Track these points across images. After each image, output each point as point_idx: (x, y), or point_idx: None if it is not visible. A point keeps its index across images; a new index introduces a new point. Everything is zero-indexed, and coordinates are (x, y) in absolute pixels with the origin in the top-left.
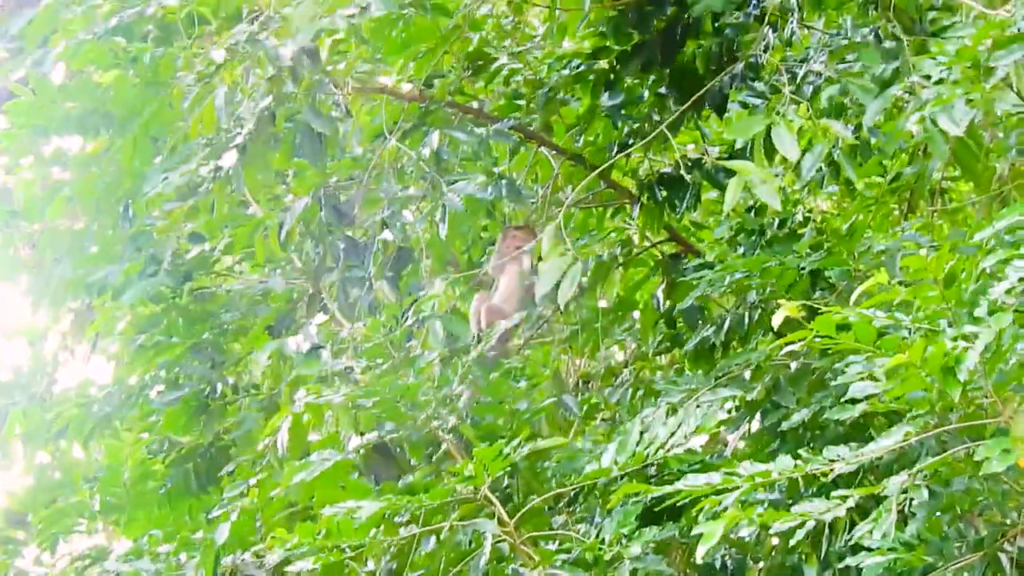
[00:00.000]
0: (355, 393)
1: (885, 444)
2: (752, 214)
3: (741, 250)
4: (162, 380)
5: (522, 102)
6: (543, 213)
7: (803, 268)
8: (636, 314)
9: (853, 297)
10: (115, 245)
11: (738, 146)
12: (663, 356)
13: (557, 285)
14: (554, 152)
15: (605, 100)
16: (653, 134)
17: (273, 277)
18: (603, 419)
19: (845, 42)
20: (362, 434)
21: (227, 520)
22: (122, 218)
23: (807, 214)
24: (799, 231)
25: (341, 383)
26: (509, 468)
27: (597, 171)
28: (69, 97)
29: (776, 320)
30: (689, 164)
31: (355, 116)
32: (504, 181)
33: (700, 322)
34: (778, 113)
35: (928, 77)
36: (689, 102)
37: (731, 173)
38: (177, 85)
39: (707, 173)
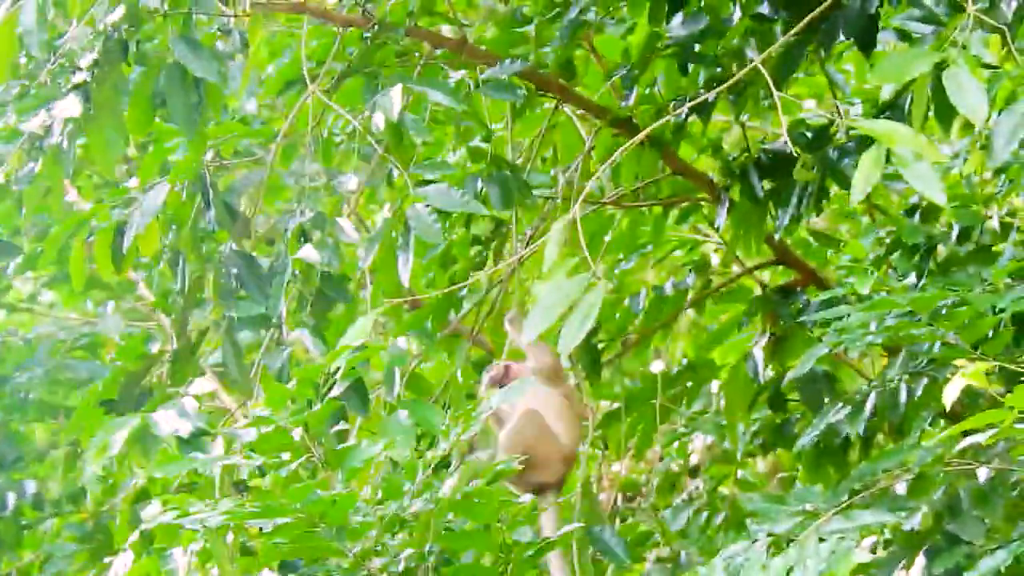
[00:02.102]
0: (244, 511)
1: None
2: (916, 218)
3: (899, 278)
4: None
5: (531, 28)
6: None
7: (1001, 310)
8: (715, 385)
9: None
10: None
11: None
12: (758, 458)
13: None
14: (583, 113)
15: (671, 26)
16: (736, 81)
17: (105, 315)
18: (659, 558)
19: None
20: None
21: None
22: None
23: (1006, 219)
24: (994, 247)
25: (220, 494)
26: None
27: (639, 136)
28: None
29: (950, 393)
30: (808, 135)
31: (254, 51)
32: (501, 170)
33: (826, 400)
34: (955, 45)
35: None
36: (805, 26)
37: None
38: None
39: (838, 150)
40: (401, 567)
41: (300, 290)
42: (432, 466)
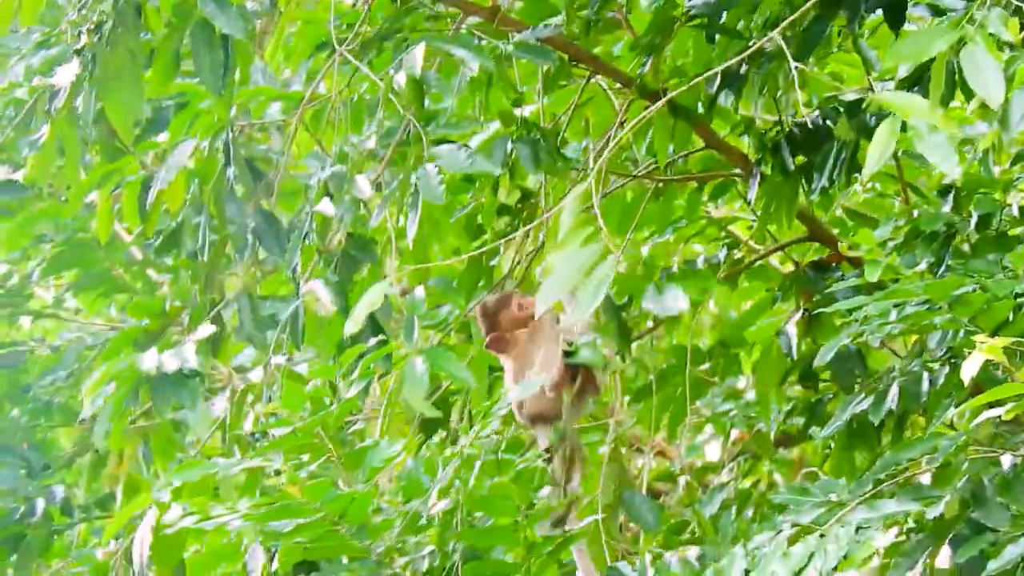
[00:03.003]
0: (264, 512)
1: None
2: (949, 200)
3: (922, 263)
4: None
5: None
6: (597, 186)
7: (1019, 295)
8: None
9: None
10: None
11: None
12: (785, 449)
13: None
14: (619, 86)
15: None
16: (764, 54)
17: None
18: (696, 543)
19: None
20: None
21: None
22: None
23: None
24: (1011, 232)
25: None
26: None
27: (660, 102)
28: None
29: (968, 370)
30: (840, 110)
31: (284, 12)
32: (531, 134)
33: (858, 378)
34: (973, 23)
35: None
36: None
37: None
38: None
39: (871, 121)
40: (424, 565)
41: (319, 248)
42: (452, 463)
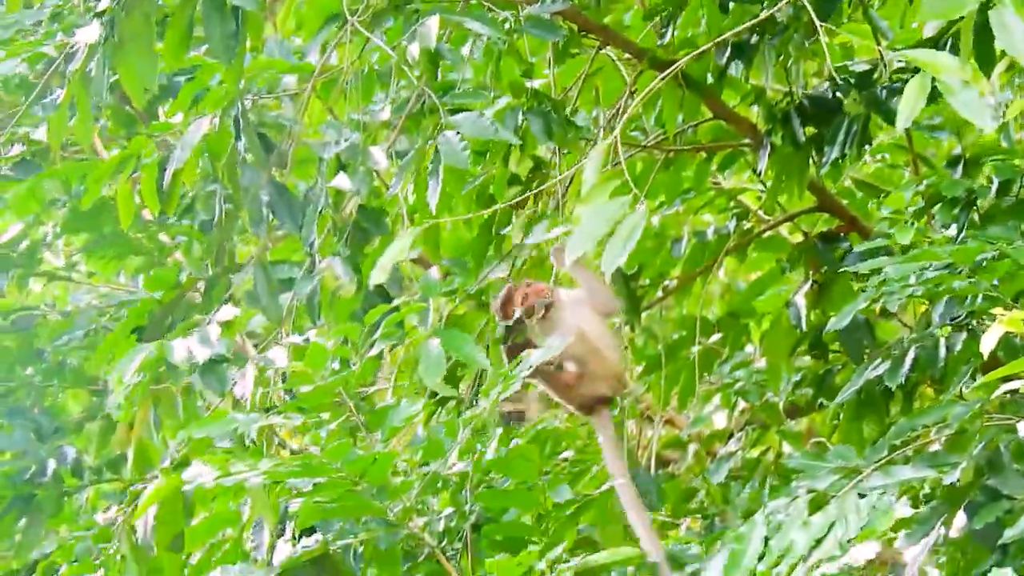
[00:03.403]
0: (285, 470)
1: None
2: (958, 171)
3: (939, 230)
4: None
5: None
6: (607, 159)
7: None
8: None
9: None
10: None
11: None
12: (793, 421)
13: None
14: (628, 57)
15: None
16: (776, 23)
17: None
18: (703, 514)
19: None
20: (295, 536)
21: None
22: None
23: None
24: None
25: (260, 450)
26: None
27: (671, 70)
28: None
29: (987, 342)
30: (851, 81)
31: None
32: (542, 105)
33: (867, 349)
34: None
35: None
36: None
37: None
38: None
39: (880, 95)
40: (442, 526)
41: (334, 219)
42: (471, 424)
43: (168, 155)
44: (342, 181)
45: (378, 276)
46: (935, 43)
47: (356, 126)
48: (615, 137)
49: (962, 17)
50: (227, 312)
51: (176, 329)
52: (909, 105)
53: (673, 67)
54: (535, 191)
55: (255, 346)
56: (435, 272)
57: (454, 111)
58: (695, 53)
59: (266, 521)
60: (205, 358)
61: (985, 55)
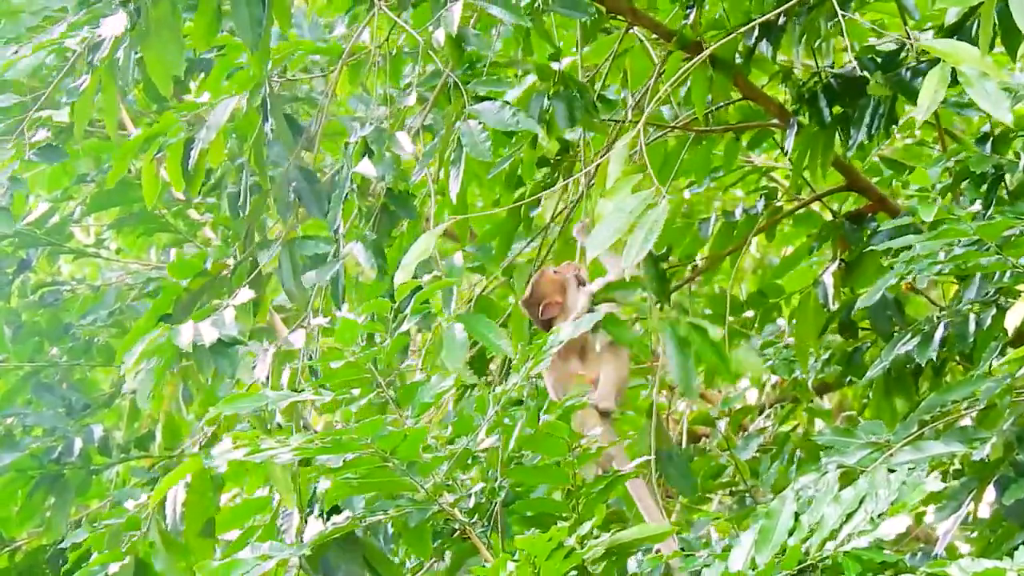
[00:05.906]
0: (315, 446)
1: None
2: (987, 148)
3: (966, 207)
4: None
5: None
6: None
7: None
8: (781, 322)
9: None
10: None
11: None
12: (824, 397)
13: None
14: (656, 37)
15: None
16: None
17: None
18: (732, 490)
19: None
20: (324, 515)
21: None
22: None
23: None
24: None
25: (289, 428)
26: (574, 573)
27: (703, 55)
28: None
29: (1012, 319)
30: (878, 61)
31: None
32: (568, 89)
33: (896, 327)
34: None
35: None
36: None
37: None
38: None
39: (910, 70)
40: (472, 503)
41: (359, 205)
42: (501, 401)
43: (194, 135)
44: (367, 168)
45: (402, 276)
46: (959, 27)
47: (385, 100)
48: (640, 126)
49: (982, 2)
50: (245, 294)
51: (196, 313)
52: (928, 96)
53: (704, 52)
54: (563, 182)
55: (283, 320)
56: (459, 258)
57: (479, 99)
58: (727, 39)
59: (290, 503)
60: (212, 341)
61: (1011, 37)
